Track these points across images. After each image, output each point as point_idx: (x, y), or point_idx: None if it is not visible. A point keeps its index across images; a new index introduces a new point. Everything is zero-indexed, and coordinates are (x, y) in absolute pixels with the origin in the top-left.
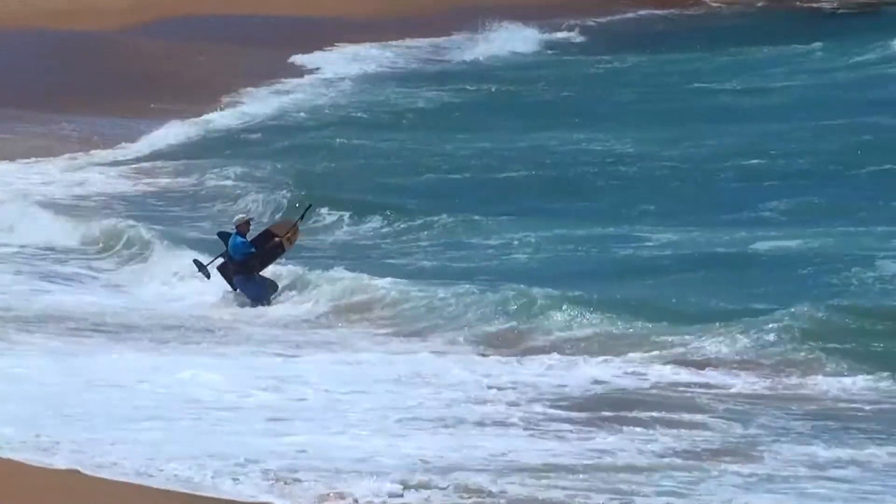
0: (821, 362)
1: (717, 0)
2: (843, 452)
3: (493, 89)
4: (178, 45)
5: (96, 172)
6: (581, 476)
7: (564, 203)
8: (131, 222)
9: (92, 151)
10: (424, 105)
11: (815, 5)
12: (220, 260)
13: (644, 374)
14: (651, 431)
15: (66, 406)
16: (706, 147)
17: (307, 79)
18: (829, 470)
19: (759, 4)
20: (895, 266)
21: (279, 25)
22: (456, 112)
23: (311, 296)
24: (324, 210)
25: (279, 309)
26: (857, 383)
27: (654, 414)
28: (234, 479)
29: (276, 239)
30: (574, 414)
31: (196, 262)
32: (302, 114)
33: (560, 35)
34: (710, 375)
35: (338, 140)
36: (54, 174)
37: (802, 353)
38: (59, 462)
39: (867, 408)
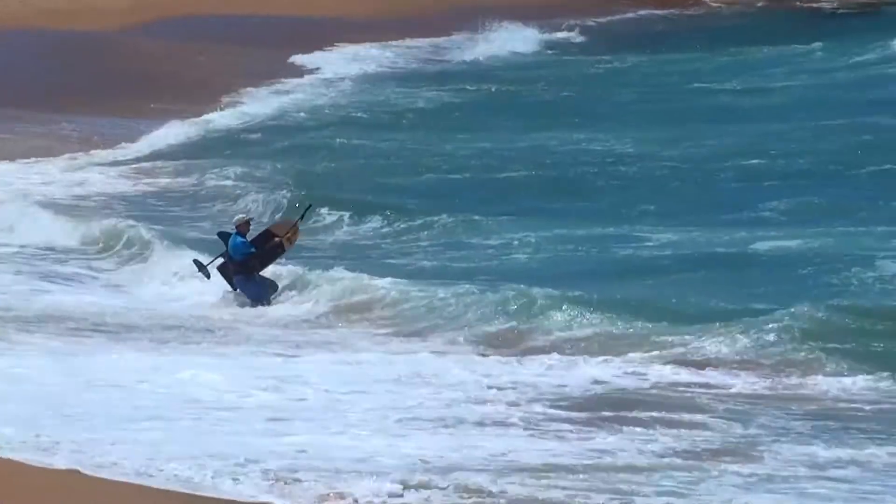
0: (821, 362)
1: (717, 0)
2: (843, 452)
3: (493, 89)
4: (177, 45)
5: (96, 172)
6: (581, 476)
7: (564, 203)
8: (131, 222)
9: (92, 151)
10: (424, 105)
11: (815, 5)
12: (220, 260)
13: (644, 374)
14: (651, 431)
15: (66, 406)
16: (706, 147)
17: (307, 79)
18: (829, 470)
19: (759, 4)
20: (895, 266)
21: (279, 25)
22: (456, 112)
23: (311, 296)
24: (324, 210)
25: (279, 309)
26: (857, 383)
27: (654, 414)
28: (233, 479)
29: (276, 239)
30: (574, 414)
31: (196, 262)
32: (302, 114)
33: (560, 35)
34: (710, 375)
35: (338, 140)
36: (54, 174)
37: (802, 353)
38: (59, 462)
39: (867, 408)
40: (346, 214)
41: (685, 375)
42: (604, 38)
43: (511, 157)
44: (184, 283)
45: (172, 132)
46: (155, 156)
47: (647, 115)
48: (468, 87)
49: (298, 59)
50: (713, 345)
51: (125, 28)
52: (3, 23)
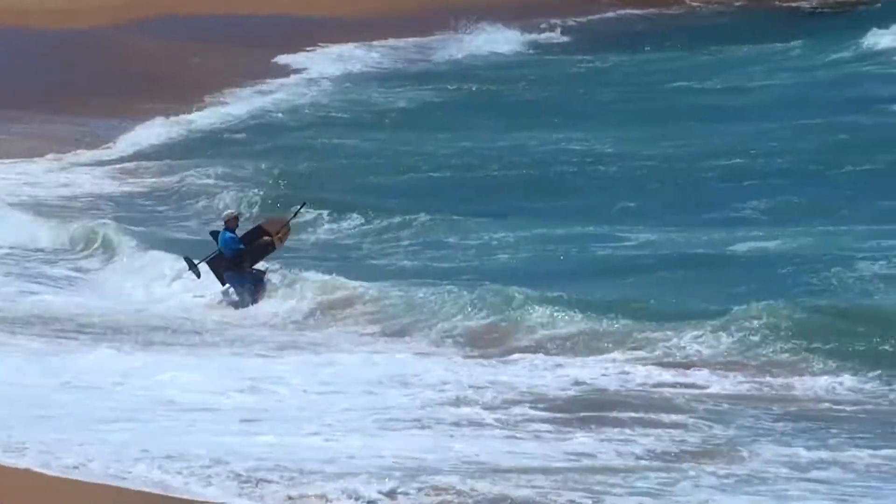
0: (803, 363)
1: (697, 0)
2: (825, 453)
3: (475, 89)
4: (161, 45)
5: (80, 173)
6: (554, 477)
7: (545, 202)
8: (114, 223)
9: (75, 151)
10: (406, 105)
11: (793, 4)
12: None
13: (624, 375)
14: (630, 432)
15: (39, 407)
16: (686, 146)
17: (291, 79)
18: (810, 471)
19: (738, 4)
20: (875, 266)
21: (263, 25)
22: (437, 111)
23: (293, 297)
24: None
25: (263, 310)
26: (840, 384)
27: (634, 414)
28: (203, 481)
29: (266, 237)
30: (552, 414)
31: (187, 259)
32: (285, 114)
33: (541, 35)
34: (691, 375)
35: (320, 140)
36: (38, 175)
37: (784, 354)
38: (27, 462)
39: (849, 408)
40: (327, 214)
41: (666, 376)
42: (585, 37)
43: (492, 156)
44: (171, 283)
45: (155, 132)
46: (138, 156)
47: (628, 114)
48: (450, 86)
49: (282, 59)
50: (694, 345)
51: (108, 28)
52: None
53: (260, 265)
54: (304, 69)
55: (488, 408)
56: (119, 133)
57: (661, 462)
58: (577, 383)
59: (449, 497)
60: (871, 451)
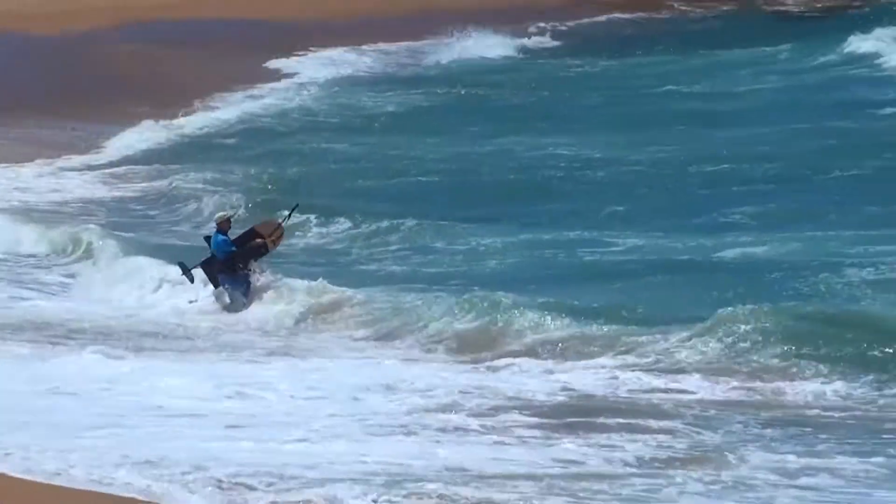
0: (792, 369)
1: (686, 4)
2: (814, 460)
3: (464, 93)
4: (152, 48)
5: (69, 178)
6: (540, 483)
7: (533, 207)
8: (98, 228)
9: (65, 156)
10: (395, 109)
11: (780, 8)
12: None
13: (612, 381)
14: (616, 438)
15: (23, 413)
16: (674, 151)
17: (282, 83)
18: (799, 478)
19: (726, 8)
20: (863, 272)
21: (255, 29)
22: (426, 116)
23: (282, 303)
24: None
25: (253, 315)
26: (829, 390)
27: (621, 420)
28: (184, 487)
29: (259, 240)
30: (540, 420)
31: (181, 264)
32: (275, 118)
33: (530, 39)
34: (680, 381)
35: (309, 144)
36: (28, 179)
37: (773, 360)
38: (9, 468)
39: (838, 414)
40: (315, 218)
41: (654, 381)
42: (574, 41)
43: (480, 161)
44: (163, 289)
45: (145, 137)
46: (128, 160)
47: (616, 118)
48: (439, 90)
49: (274, 63)
50: (682, 350)
51: (99, 31)
52: None
53: (254, 267)
54: (296, 73)
55: (475, 414)
56: (108, 138)
57: (648, 468)
58: (564, 389)
59: (431, 503)
60: (859, 458)
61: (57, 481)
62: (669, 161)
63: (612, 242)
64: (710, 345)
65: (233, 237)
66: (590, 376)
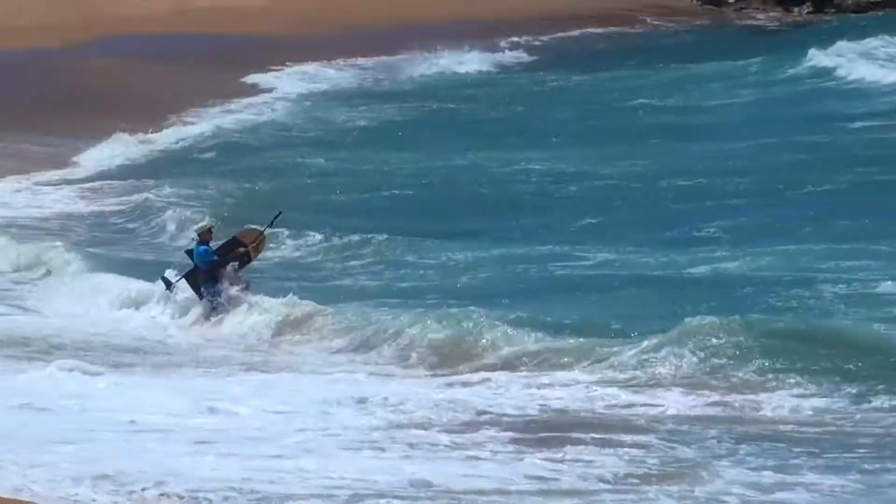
0: (767, 383)
1: (658, 18)
2: (789, 475)
3: (436, 107)
4: (128, 63)
5: (46, 192)
6: (511, 499)
7: (504, 222)
8: (64, 245)
9: (41, 171)
10: (368, 123)
11: (752, 23)
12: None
13: (585, 395)
14: (590, 453)
15: None
16: (647, 165)
17: (259, 98)
18: (774, 493)
19: (698, 22)
20: (836, 287)
21: (231, 44)
22: (399, 131)
23: (255, 318)
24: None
25: (229, 331)
26: (803, 405)
27: (595, 435)
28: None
29: (242, 249)
30: (512, 435)
31: (164, 279)
32: (251, 133)
33: (504, 54)
34: (653, 396)
35: (284, 159)
36: (4, 194)
37: (748, 375)
38: None
39: (813, 430)
40: (287, 232)
41: (628, 396)
42: (547, 56)
43: (453, 175)
44: (143, 303)
45: (120, 151)
46: (102, 176)
47: (588, 132)
48: (413, 105)
49: (251, 78)
50: (656, 365)
51: (73, 46)
52: None
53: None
54: (273, 88)
55: (446, 429)
56: (83, 152)
57: (622, 484)
58: (537, 404)
59: None
60: (834, 473)
61: (19, 497)
62: (642, 175)
63: (585, 256)
64: (685, 359)
65: (215, 247)
66: (563, 391)
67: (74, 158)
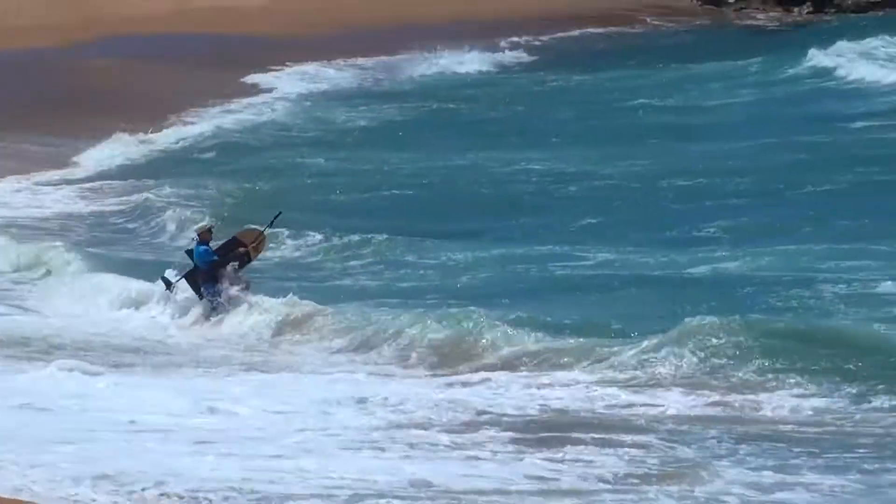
0: (767, 384)
1: (658, 18)
2: (789, 475)
3: (436, 107)
4: (128, 63)
5: (46, 192)
6: (511, 499)
7: (505, 221)
8: (68, 245)
9: (41, 171)
10: (368, 123)
11: (752, 23)
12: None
13: (585, 395)
14: (590, 453)
15: None
16: (647, 165)
17: (259, 98)
18: (774, 493)
19: (698, 22)
20: (836, 287)
21: (232, 44)
22: (399, 130)
23: (255, 318)
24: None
25: (230, 331)
26: (803, 405)
27: (595, 435)
28: (138, 502)
29: (242, 249)
30: (512, 435)
31: (164, 279)
32: (251, 133)
33: (504, 54)
34: (654, 396)
35: (284, 159)
36: (4, 194)
37: (748, 375)
38: None
39: (813, 430)
40: (287, 232)
41: (628, 396)
42: (548, 56)
43: (453, 175)
44: (144, 304)
45: (120, 151)
46: (102, 175)
47: (588, 132)
48: (413, 105)
49: (251, 78)
50: (656, 365)
51: (73, 46)
52: None
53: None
54: (273, 88)
55: (446, 429)
56: (83, 152)
57: (622, 484)
58: (537, 404)
59: None
60: (834, 473)
61: (19, 497)
62: (642, 175)
63: (585, 256)
64: (685, 359)
65: (215, 247)
66: (563, 391)
67: (74, 158)
